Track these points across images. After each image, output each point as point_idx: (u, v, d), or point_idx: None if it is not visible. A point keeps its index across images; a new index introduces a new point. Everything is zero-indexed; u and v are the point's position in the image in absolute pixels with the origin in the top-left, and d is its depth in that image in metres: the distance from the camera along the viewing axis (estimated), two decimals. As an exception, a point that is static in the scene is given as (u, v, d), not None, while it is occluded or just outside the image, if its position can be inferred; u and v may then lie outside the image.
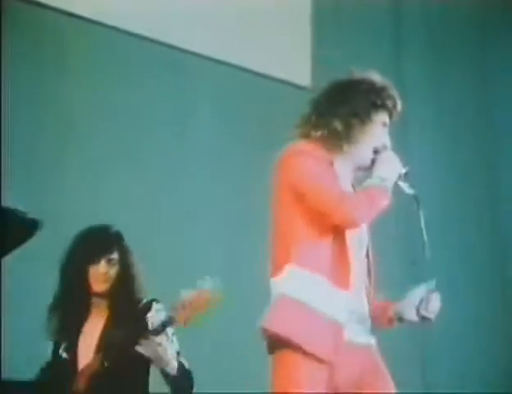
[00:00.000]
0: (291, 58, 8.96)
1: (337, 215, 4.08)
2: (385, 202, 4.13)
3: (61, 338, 5.46)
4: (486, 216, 9.49)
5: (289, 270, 4.10)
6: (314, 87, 8.10)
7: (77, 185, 7.03)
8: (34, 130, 7.09)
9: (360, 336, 4.20)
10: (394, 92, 4.33)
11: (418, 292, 4.24)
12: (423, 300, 4.22)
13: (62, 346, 5.45)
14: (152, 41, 7.95)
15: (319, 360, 4.00)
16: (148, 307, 5.37)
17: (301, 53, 9.08)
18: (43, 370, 5.51)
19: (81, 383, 5.35)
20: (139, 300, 5.47)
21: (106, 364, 5.27)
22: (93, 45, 7.58)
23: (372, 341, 4.27)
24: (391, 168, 4.21)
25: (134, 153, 7.56)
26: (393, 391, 4.16)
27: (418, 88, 9.20)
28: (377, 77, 4.32)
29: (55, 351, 5.51)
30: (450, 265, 8.21)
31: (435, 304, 4.23)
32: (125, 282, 5.47)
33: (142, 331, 5.19)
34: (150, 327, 5.22)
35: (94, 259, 5.42)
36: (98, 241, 5.51)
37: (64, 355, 5.46)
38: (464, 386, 7.97)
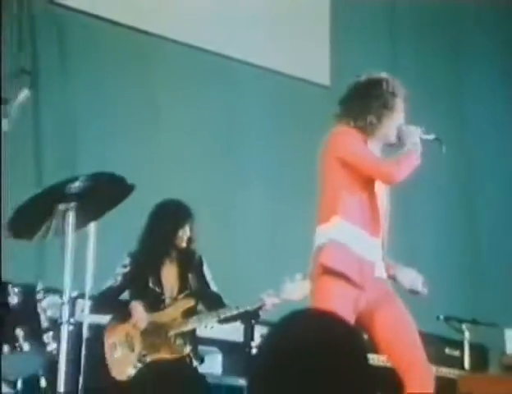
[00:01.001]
0: (312, 59, 8.95)
1: (377, 173, 5.17)
2: (416, 162, 5.17)
3: (149, 272, 6.31)
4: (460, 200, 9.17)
5: (335, 221, 5.12)
6: (333, 86, 8.25)
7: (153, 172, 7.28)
8: (106, 130, 7.38)
9: (382, 272, 5.24)
10: (402, 85, 5.35)
11: (409, 272, 5.29)
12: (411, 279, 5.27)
13: (151, 280, 6.29)
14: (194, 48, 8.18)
15: (354, 285, 5.04)
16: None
17: (320, 55, 9.07)
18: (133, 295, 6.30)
19: None
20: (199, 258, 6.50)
21: None
22: (152, 55, 7.82)
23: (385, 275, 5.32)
24: (413, 134, 5.20)
25: (202, 141, 7.80)
26: (406, 311, 5.18)
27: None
28: (388, 76, 5.38)
29: (143, 282, 6.30)
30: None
31: (418, 285, 5.25)
32: (193, 244, 6.43)
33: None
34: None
35: (183, 224, 6.34)
36: (186, 211, 6.39)
37: (153, 286, 6.32)
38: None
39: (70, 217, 4.95)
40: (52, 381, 4.97)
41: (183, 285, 6.38)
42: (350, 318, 4.83)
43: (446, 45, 9.94)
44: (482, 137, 9.62)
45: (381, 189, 5.31)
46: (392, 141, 5.28)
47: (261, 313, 6.23)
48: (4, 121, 5.01)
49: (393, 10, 9.88)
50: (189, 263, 6.44)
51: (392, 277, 5.31)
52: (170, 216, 6.38)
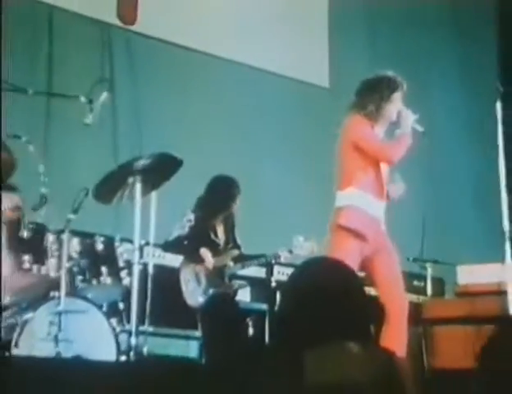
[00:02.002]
0: (312, 63, 8.55)
1: (380, 156, 5.27)
2: (408, 143, 5.26)
3: (209, 228, 6.49)
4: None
5: (351, 191, 5.23)
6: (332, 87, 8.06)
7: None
8: (162, 122, 7.49)
9: (384, 226, 5.31)
10: (401, 79, 5.39)
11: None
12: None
13: (212, 233, 6.45)
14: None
15: (363, 239, 5.15)
16: None
17: (320, 58, 8.64)
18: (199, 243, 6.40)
19: None
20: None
21: None
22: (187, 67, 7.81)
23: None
24: (408, 119, 5.27)
25: (229, 131, 7.84)
26: (396, 258, 5.31)
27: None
28: (390, 72, 5.40)
29: (206, 234, 6.46)
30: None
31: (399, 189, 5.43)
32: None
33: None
34: None
35: (235, 195, 6.54)
36: (237, 186, 6.55)
37: (214, 238, 6.48)
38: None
39: (137, 187, 5.06)
40: (127, 305, 5.15)
41: (229, 238, 6.56)
42: (357, 263, 5.07)
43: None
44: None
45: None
46: (393, 121, 5.36)
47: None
48: (90, 116, 4.99)
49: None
50: (232, 223, 6.61)
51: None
52: (226, 188, 6.50)
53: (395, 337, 5.05)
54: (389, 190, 5.38)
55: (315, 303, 2.41)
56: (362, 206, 5.21)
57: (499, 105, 5.28)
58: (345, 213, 5.21)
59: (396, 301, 5.21)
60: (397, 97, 5.36)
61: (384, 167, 5.34)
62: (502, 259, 5.19)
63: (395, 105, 5.35)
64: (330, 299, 2.41)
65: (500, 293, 5.05)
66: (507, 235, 5.15)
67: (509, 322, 2.71)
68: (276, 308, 6.13)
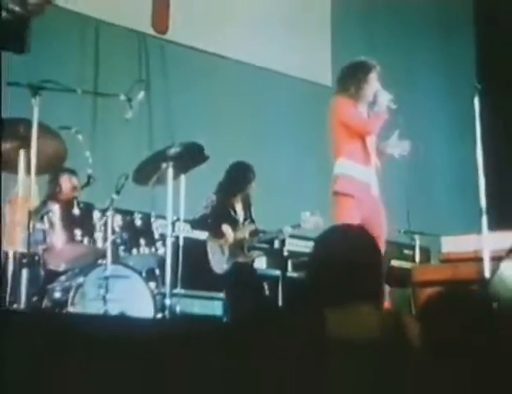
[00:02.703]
0: (316, 63, 8.43)
1: (364, 129, 5.24)
2: (385, 117, 5.25)
3: (229, 206, 6.43)
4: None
5: (341, 160, 5.23)
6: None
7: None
8: (190, 116, 7.49)
9: (376, 190, 5.28)
10: (373, 62, 5.40)
11: (394, 138, 5.38)
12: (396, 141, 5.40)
13: (231, 211, 6.42)
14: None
15: (358, 201, 5.11)
16: None
17: (323, 58, 8.49)
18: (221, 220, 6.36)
19: None
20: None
21: None
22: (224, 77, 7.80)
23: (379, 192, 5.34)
24: (383, 97, 5.25)
25: (246, 125, 7.75)
26: (385, 218, 5.29)
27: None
28: (363, 57, 5.44)
29: (226, 212, 6.41)
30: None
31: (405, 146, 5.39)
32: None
33: None
34: None
35: (251, 178, 6.46)
36: (253, 170, 6.46)
37: (234, 215, 6.42)
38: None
39: (169, 171, 5.13)
40: (162, 271, 5.18)
41: (247, 215, 6.51)
42: (357, 223, 4.86)
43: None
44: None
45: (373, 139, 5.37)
46: (371, 101, 5.32)
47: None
48: (129, 112, 4.94)
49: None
50: (249, 202, 6.57)
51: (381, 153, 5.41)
52: (243, 172, 6.45)
53: None
54: (397, 148, 5.38)
55: (336, 269, 2.40)
56: (351, 173, 5.20)
57: (476, 100, 5.24)
58: (338, 180, 5.20)
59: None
60: (373, 77, 5.33)
61: (370, 139, 5.32)
62: (479, 231, 5.15)
63: (372, 85, 5.32)
64: (348, 265, 2.40)
65: (477, 260, 5.04)
66: (483, 210, 5.13)
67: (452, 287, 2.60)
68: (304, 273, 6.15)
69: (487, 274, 4.82)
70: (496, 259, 4.67)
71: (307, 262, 2.72)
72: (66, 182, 5.70)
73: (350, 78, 5.33)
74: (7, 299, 4.51)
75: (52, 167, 5.23)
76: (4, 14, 3.33)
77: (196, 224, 6.36)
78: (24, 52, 3.63)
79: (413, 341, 2.27)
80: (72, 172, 5.69)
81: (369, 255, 2.48)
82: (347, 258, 2.43)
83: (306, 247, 6.66)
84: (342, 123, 5.24)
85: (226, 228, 6.34)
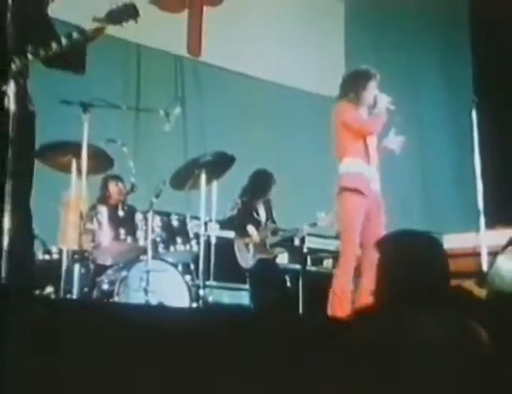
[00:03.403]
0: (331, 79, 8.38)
1: (365, 129, 5.08)
2: (384, 118, 5.09)
3: (253, 208, 6.41)
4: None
5: (346, 160, 5.07)
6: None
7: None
8: (221, 131, 7.47)
9: (377, 186, 5.12)
10: (373, 70, 5.20)
11: (391, 134, 5.21)
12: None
13: (254, 213, 6.41)
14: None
15: (363, 195, 4.94)
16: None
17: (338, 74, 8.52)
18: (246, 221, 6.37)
19: None
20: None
21: None
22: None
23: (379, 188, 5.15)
24: (382, 100, 5.09)
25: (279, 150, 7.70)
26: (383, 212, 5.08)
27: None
28: (364, 66, 5.26)
29: (250, 213, 6.41)
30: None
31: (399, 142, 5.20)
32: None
33: None
34: None
35: (272, 183, 6.45)
36: (273, 177, 6.46)
37: (256, 216, 6.41)
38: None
39: (202, 177, 5.15)
40: (196, 266, 5.22)
41: (268, 216, 6.51)
42: (361, 216, 4.93)
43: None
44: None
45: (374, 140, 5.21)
46: (371, 104, 5.15)
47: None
48: (167, 125, 4.97)
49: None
50: (270, 204, 6.56)
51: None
52: (265, 179, 6.46)
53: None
54: (390, 143, 5.22)
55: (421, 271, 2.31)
56: (356, 170, 5.05)
57: (474, 112, 5.21)
58: (345, 177, 5.04)
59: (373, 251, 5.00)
60: (372, 85, 5.16)
61: (371, 139, 5.16)
62: (477, 230, 5.14)
63: (371, 91, 5.15)
64: (432, 269, 2.33)
65: (476, 255, 5.02)
66: (481, 211, 5.10)
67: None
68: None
69: (485, 267, 4.80)
70: (493, 254, 4.63)
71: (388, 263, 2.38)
72: (114, 187, 5.75)
73: (351, 84, 5.18)
74: (62, 290, 4.55)
75: (99, 172, 5.26)
76: (65, 41, 3.42)
77: (224, 225, 6.33)
78: (82, 72, 3.71)
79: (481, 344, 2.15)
80: (118, 179, 5.73)
81: (444, 261, 2.39)
82: (430, 262, 2.34)
83: (323, 244, 6.64)
84: (344, 125, 5.09)
85: (251, 228, 6.33)
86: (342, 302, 4.77)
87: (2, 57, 3.22)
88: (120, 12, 3.42)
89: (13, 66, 3.29)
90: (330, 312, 4.80)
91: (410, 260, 2.32)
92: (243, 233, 6.34)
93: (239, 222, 6.36)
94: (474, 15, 9.60)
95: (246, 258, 6.31)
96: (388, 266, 2.37)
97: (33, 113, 3.59)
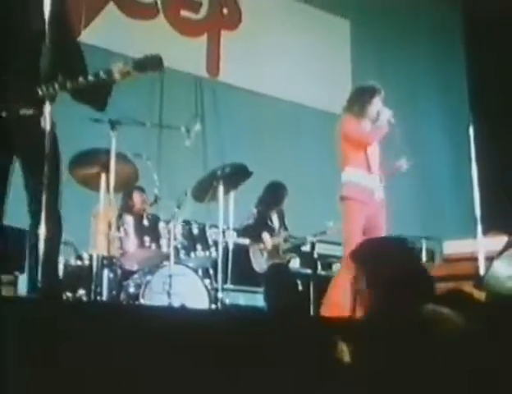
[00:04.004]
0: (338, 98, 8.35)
1: (364, 140, 5.01)
2: (385, 130, 5.04)
3: (267, 217, 6.40)
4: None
5: (348, 169, 5.04)
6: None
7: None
8: (238, 144, 7.50)
9: (380, 194, 5.07)
10: (378, 86, 5.16)
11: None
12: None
13: (269, 221, 6.41)
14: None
15: (363, 203, 4.92)
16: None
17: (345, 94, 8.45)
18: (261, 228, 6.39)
19: None
20: None
21: None
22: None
23: (383, 196, 5.10)
24: (384, 114, 5.06)
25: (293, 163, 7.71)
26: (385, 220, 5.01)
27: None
28: (371, 82, 5.22)
29: (265, 221, 6.43)
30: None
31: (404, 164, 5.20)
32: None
33: None
34: None
35: (285, 195, 6.46)
36: (286, 188, 6.47)
37: (271, 224, 6.41)
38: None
39: (220, 189, 5.17)
40: (215, 271, 5.22)
41: (281, 224, 6.52)
42: (362, 223, 4.91)
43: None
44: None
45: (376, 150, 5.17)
46: (374, 118, 5.11)
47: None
48: (188, 141, 4.98)
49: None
50: (282, 213, 6.57)
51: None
52: (278, 190, 6.48)
53: None
54: (395, 165, 5.20)
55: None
56: (356, 180, 5.02)
57: (471, 128, 5.19)
58: (346, 186, 5.03)
59: None
60: (376, 100, 5.12)
61: (372, 149, 5.12)
62: (475, 236, 5.11)
63: (375, 106, 5.12)
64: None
65: (474, 259, 4.98)
66: (478, 219, 5.07)
67: None
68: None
69: (482, 271, 4.77)
70: (490, 259, 4.62)
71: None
72: (138, 198, 5.75)
73: (356, 99, 5.14)
74: (92, 292, 4.57)
75: (127, 187, 5.28)
76: (92, 78, 3.46)
77: (241, 232, 6.33)
78: (102, 110, 3.75)
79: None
80: (142, 190, 5.74)
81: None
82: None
83: (332, 250, 6.61)
84: (346, 136, 5.06)
85: (265, 235, 6.33)
86: (341, 305, 4.75)
87: (32, 83, 3.26)
88: (146, 62, 3.45)
89: (43, 93, 3.33)
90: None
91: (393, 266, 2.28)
92: (258, 240, 6.33)
93: (254, 229, 6.37)
94: (469, 33, 9.64)
95: (260, 263, 6.30)
96: (374, 274, 2.33)
97: (55, 134, 3.60)
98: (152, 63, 3.45)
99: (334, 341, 2.02)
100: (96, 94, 3.54)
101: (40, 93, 3.30)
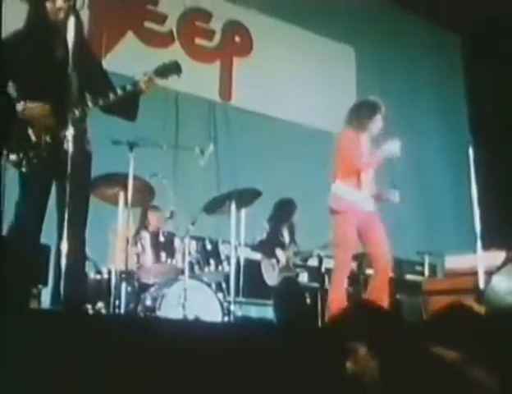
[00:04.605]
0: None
1: (357, 166, 4.78)
2: (377, 161, 4.80)
3: (278, 232, 6.36)
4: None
5: (336, 182, 4.86)
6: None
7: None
8: (250, 166, 7.47)
9: (369, 206, 4.84)
10: (382, 102, 4.93)
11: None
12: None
13: (280, 235, 6.37)
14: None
15: (351, 216, 4.72)
16: None
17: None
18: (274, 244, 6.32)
19: None
20: None
21: None
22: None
23: (374, 209, 4.87)
24: (389, 147, 4.76)
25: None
26: (383, 230, 4.83)
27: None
28: (372, 97, 4.98)
29: (277, 236, 6.36)
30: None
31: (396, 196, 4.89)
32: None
33: None
34: None
35: (294, 211, 6.40)
36: (295, 204, 6.43)
37: (282, 239, 6.34)
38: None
39: (232, 207, 5.13)
40: (227, 285, 5.19)
41: (291, 238, 6.48)
42: (354, 232, 4.71)
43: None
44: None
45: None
46: (375, 135, 4.90)
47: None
48: (201, 161, 4.98)
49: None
50: (292, 228, 6.53)
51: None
52: (288, 206, 6.45)
53: (382, 286, 4.73)
54: (388, 196, 4.91)
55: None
56: (343, 194, 4.81)
57: (470, 149, 5.20)
58: (333, 199, 4.85)
59: (383, 257, 4.81)
60: (378, 118, 4.89)
61: (368, 173, 4.88)
62: (474, 252, 5.10)
63: (374, 121, 4.88)
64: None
65: (473, 274, 4.98)
66: (478, 235, 5.08)
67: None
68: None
69: (482, 285, 4.77)
70: (489, 274, 4.61)
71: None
72: (153, 217, 5.76)
73: (356, 113, 4.92)
74: (111, 305, 4.58)
75: (143, 204, 5.31)
76: (120, 92, 3.57)
77: (255, 247, 6.32)
78: (134, 120, 3.86)
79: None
80: (157, 209, 5.75)
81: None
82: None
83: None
84: (340, 152, 4.87)
85: (278, 250, 6.31)
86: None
87: (63, 106, 3.32)
88: (166, 68, 3.62)
89: (76, 113, 3.39)
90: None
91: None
92: (270, 254, 6.31)
93: (267, 244, 6.35)
94: (468, 55, 9.65)
95: (272, 277, 6.28)
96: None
97: (90, 153, 3.69)
98: (171, 68, 3.61)
99: (351, 347, 1.93)
100: (126, 107, 3.67)
101: (77, 113, 3.37)
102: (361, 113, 4.91)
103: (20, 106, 3.42)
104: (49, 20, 3.55)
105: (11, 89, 3.47)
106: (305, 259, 6.54)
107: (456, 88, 9.71)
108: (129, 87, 3.62)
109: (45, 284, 4.51)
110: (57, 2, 3.54)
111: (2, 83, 3.33)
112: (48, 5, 3.55)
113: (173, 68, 3.71)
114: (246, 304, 5.98)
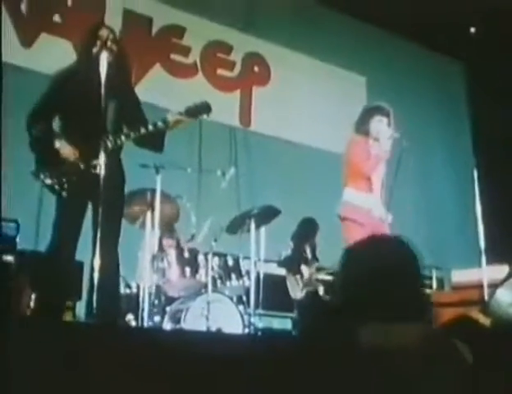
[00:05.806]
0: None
1: (363, 170, 4.66)
2: (384, 156, 4.70)
3: (302, 249, 6.21)
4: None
5: (346, 189, 4.77)
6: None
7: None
8: (269, 187, 7.53)
9: (380, 213, 4.71)
10: (387, 107, 4.83)
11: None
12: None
13: (303, 253, 6.23)
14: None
15: (360, 224, 4.59)
16: None
17: None
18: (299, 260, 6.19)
19: None
20: None
21: None
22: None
23: (384, 213, 4.72)
24: (388, 135, 4.71)
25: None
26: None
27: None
28: (381, 102, 4.88)
29: (301, 253, 6.23)
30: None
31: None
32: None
33: None
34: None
35: (317, 229, 6.31)
36: (317, 224, 6.34)
37: (305, 256, 6.21)
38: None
39: (252, 226, 5.21)
40: (248, 298, 5.21)
41: (313, 256, 6.40)
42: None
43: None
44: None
45: (379, 169, 4.78)
46: (379, 138, 4.72)
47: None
48: (223, 183, 5.13)
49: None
50: (314, 245, 6.46)
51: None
52: (310, 225, 6.40)
53: None
54: (381, 216, 4.72)
55: (368, 284, 1.78)
56: (354, 201, 4.71)
57: (475, 172, 5.17)
58: (343, 207, 4.75)
59: None
60: (379, 119, 4.77)
61: (378, 173, 4.76)
62: (479, 266, 5.06)
63: (377, 124, 4.76)
64: (383, 279, 1.77)
65: (479, 287, 4.93)
66: (482, 250, 5.04)
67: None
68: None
69: (487, 298, 4.72)
70: (493, 287, 4.57)
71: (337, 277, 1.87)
72: (166, 243, 5.61)
73: (361, 117, 4.84)
74: (140, 317, 4.59)
75: (168, 224, 5.33)
76: (151, 128, 3.61)
77: (281, 264, 6.27)
78: (161, 152, 3.91)
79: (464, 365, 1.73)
80: (171, 234, 5.64)
81: (406, 268, 1.75)
82: (381, 271, 1.73)
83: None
84: (350, 158, 4.76)
85: (304, 267, 6.26)
86: None
87: (96, 136, 3.36)
88: (197, 109, 3.61)
89: (109, 144, 3.43)
90: None
91: (362, 275, 1.77)
92: (295, 271, 6.26)
93: (292, 261, 6.30)
94: (471, 81, 9.57)
95: (296, 291, 6.22)
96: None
97: (123, 177, 3.72)
98: (202, 109, 3.61)
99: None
100: (154, 140, 3.70)
101: (109, 145, 3.41)
102: (364, 117, 4.84)
103: (57, 143, 3.45)
104: (93, 58, 3.56)
105: (54, 124, 3.54)
106: (329, 274, 6.50)
107: (461, 112, 9.64)
108: (159, 124, 3.65)
109: (79, 298, 4.53)
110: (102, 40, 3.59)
111: (49, 118, 3.42)
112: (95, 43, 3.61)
113: (204, 109, 3.69)
114: (266, 316, 5.94)
